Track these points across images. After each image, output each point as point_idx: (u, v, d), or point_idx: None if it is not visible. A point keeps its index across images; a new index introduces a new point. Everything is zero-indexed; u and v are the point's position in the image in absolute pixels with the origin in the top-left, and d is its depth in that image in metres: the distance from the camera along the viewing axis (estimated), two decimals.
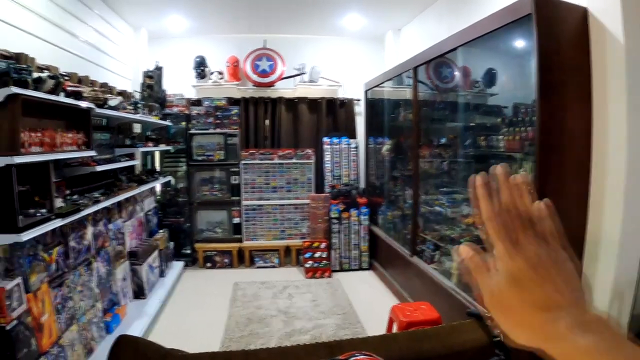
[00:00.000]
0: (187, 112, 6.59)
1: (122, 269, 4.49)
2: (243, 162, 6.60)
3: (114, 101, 4.06)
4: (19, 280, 2.67)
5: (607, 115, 2.52)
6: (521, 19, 2.67)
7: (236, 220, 6.65)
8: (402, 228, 5.52)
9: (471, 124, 3.93)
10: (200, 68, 6.77)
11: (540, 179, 2.59)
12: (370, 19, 6.33)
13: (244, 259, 6.60)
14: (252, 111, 7.03)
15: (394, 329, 3.41)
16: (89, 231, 3.80)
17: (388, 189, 6.20)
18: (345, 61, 7.29)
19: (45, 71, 3.26)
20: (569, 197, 2.62)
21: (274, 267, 6.56)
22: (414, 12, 5.97)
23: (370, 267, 6.31)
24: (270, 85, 7.00)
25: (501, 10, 2.90)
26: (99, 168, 3.73)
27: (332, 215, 6.32)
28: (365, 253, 6.37)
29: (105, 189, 4.02)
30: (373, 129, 6.67)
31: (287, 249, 6.67)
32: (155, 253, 5.37)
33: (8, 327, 2.49)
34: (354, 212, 6.30)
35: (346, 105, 7.25)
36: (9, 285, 2.57)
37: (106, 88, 4.47)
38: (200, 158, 6.60)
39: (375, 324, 4.33)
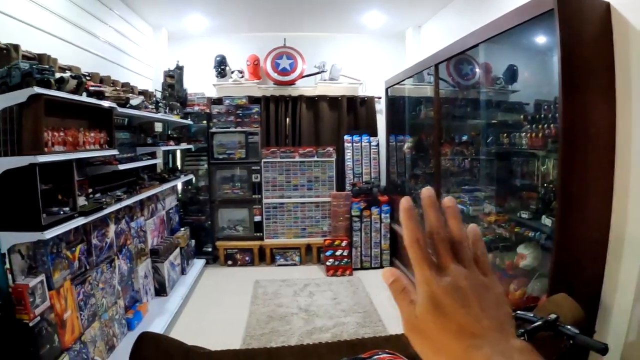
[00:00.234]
0: (208, 110, 6.62)
1: (144, 267, 4.54)
2: (264, 160, 6.61)
3: (135, 101, 4.10)
4: (42, 277, 2.72)
5: (631, 111, 2.45)
6: (543, 15, 2.61)
7: (257, 218, 6.67)
8: (424, 227, 5.46)
9: (493, 121, 3.87)
10: (221, 67, 6.80)
11: (564, 177, 2.54)
12: (391, 16, 6.28)
13: (264, 256, 6.61)
14: (272, 109, 7.04)
15: None
16: (111, 229, 3.85)
17: (409, 187, 6.15)
18: (365, 59, 7.25)
19: (68, 71, 3.31)
20: (592, 195, 2.57)
21: (294, 265, 6.56)
22: (434, 9, 5.91)
23: (392, 265, 6.28)
24: (290, 83, 7.00)
25: (523, 6, 2.85)
26: (121, 167, 3.77)
27: (353, 213, 6.31)
28: (387, 251, 6.34)
29: (127, 188, 4.06)
30: (394, 127, 6.62)
31: (308, 247, 6.67)
32: (177, 251, 5.41)
33: (31, 324, 2.54)
34: (375, 210, 6.27)
35: (367, 103, 7.22)
36: (33, 282, 2.61)
37: (128, 88, 4.52)
38: (221, 156, 6.64)
39: (396, 323, 4.30)
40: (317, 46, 7.09)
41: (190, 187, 6.70)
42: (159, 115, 4.85)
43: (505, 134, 3.53)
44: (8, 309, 2.48)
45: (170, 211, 5.77)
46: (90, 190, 3.43)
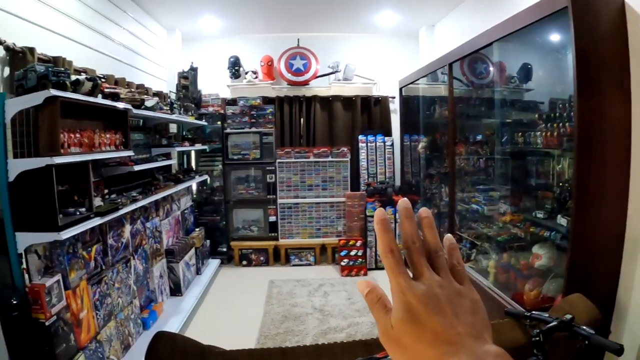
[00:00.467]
0: (222, 111, 6.66)
1: (159, 267, 4.58)
2: (278, 160, 6.63)
3: (150, 102, 4.14)
4: (58, 277, 2.75)
5: None
6: (557, 12, 2.59)
7: (272, 218, 6.69)
8: (438, 226, 5.45)
9: (507, 120, 3.83)
10: (235, 68, 6.83)
11: (579, 176, 2.51)
12: (404, 16, 6.26)
13: (279, 256, 6.63)
14: (286, 110, 7.05)
15: None
16: (127, 229, 3.88)
17: (424, 186, 6.12)
18: (379, 58, 7.23)
19: (83, 74, 3.35)
20: (608, 194, 2.53)
21: (309, 265, 6.56)
22: (447, 8, 5.87)
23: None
24: (304, 83, 7.01)
25: (537, 4, 2.82)
26: (137, 168, 3.80)
27: (368, 214, 6.29)
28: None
29: (142, 188, 4.10)
30: (408, 126, 6.60)
31: (323, 247, 6.67)
32: (192, 251, 5.45)
33: (47, 323, 2.57)
34: (389, 210, 6.26)
35: (381, 102, 7.20)
36: (49, 282, 2.65)
37: (142, 89, 4.57)
38: (235, 157, 6.66)
39: None
40: (330, 46, 7.09)
41: (205, 187, 6.74)
42: (173, 117, 4.89)
43: (520, 133, 3.50)
44: (25, 309, 2.52)
45: (185, 211, 5.81)
46: (106, 191, 3.47)
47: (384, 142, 6.86)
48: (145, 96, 4.23)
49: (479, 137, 4.45)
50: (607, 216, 2.55)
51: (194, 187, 6.54)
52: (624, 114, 2.49)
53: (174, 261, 4.86)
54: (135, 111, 3.78)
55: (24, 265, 2.56)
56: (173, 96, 5.78)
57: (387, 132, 7.06)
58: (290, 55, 6.93)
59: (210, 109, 6.62)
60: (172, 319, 4.28)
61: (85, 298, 3.05)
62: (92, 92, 2.99)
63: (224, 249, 6.67)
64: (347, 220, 6.52)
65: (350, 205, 6.45)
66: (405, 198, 0.55)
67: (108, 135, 3.33)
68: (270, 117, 6.72)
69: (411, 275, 0.50)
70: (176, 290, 4.90)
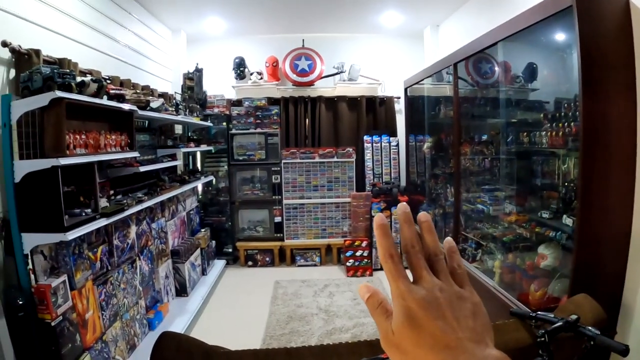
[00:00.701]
0: (227, 112, 6.67)
1: (165, 267, 4.59)
2: (284, 161, 6.64)
3: (155, 103, 4.15)
4: (64, 277, 2.77)
5: None
6: (562, 12, 2.58)
7: (277, 219, 6.69)
8: (443, 226, 5.44)
9: (512, 120, 3.82)
10: (240, 69, 6.84)
11: (585, 176, 2.50)
12: (408, 16, 6.25)
13: (285, 257, 6.64)
14: (292, 110, 7.06)
15: None
16: (133, 230, 3.90)
17: (429, 187, 6.11)
18: (384, 59, 7.23)
19: (88, 75, 3.37)
20: (613, 194, 2.51)
21: (315, 265, 6.56)
22: (452, 8, 5.85)
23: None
24: (309, 84, 7.01)
25: (541, 3, 2.81)
26: (142, 169, 3.81)
27: (373, 214, 6.29)
28: None
29: (148, 189, 4.11)
30: (413, 127, 6.58)
31: (328, 248, 6.67)
32: (197, 251, 5.46)
33: (53, 323, 2.59)
34: (395, 210, 6.25)
35: (386, 103, 7.19)
36: (55, 282, 2.66)
37: (148, 90, 4.58)
38: (241, 158, 6.68)
39: None
40: (335, 47, 7.09)
41: (210, 188, 6.76)
42: (179, 118, 4.90)
43: (525, 133, 3.49)
44: (30, 309, 2.54)
45: (191, 212, 5.82)
46: (111, 192, 3.48)
47: (389, 143, 6.85)
48: (151, 97, 4.24)
49: (484, 137, 4.44)
50: (613, 216, 2.53)
51: (200, 188, 6.55)
52: (630, 113, 2.48)
53: (179, 262, 4.88)
54: (140, 112, 3.79)
55: (30, 266, 2.58)
56: (178, 97, 5.79)
57: (393, 133, 7.05)
58: (295, 56, 6.94)
59: (216, 110, 6.63)
60: (177, 319, 4.29)
61: (91, 298, 3.07)
62: (97, 94, 3.01)
63: (230, 250, 6.68)
64: (352, 221, 6.52)
65: (356, 206, 6.45)
66: (405, 203, 0.55)
67: (113, 137, 3.34)
68: (275, 117, 6.73)
69: (411, 279, 0.50)
70: (182, 290, 4.91)
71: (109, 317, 3.31)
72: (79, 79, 2.86)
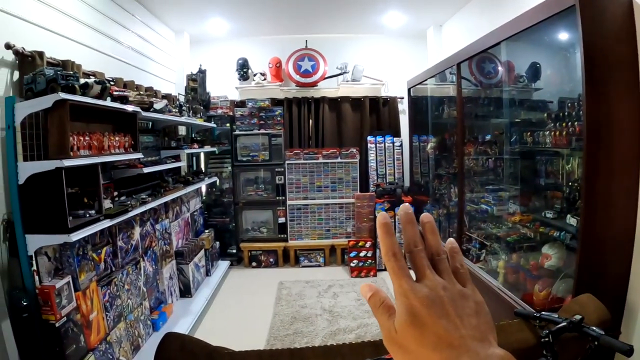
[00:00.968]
0: (231, 113, 6.68)
1: (169, 268, 4.60)
2: (287, 162, 6.64)
3: (159, 105, 4.16)
4: (68, 279, 2.78)
5: None
6: (564, 11, 2.57)
7: (281, 219, 6.69)
8: (447, 226, 5.43)
9: (516, 120, 3.81)
10: (243, 70, 6.84)
11: (588, 176, 2.49)
12: (411, 16, 6.24)
13: (289, 258, 6.64)
14: (295, 111, 7.06)
15: None
16: (137, 231, 3.91)
17: (433, 187, 6.10)
18: (387, 59, 7.22)
19: (92, 77, 3.38)
20: (618, 193, 2.50)
21: (319, 266, 6.56)
22: (454, 8, 5.85)
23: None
24: (312, 85, 7.02)
25: (544, 3, 2.80)
26: (146, 170, 3.82)
27: (377, 214, 6.27)
28: None
29: (152, 191, 4.12)
30: (417, 127, 6.58)
31: (332, 248, 6.67)
32: (201, 252, 5.47)
33: (57, 324, 2.60)
34: (398, 211, 6.23)
35: (389, 103, 7.18)
36: (59, 283, 2.67)
37: (151, 92, 4.59)
38: (245, 159, 6.68)
39: None
40: (338, 47, 7.10)
41: (214, 189, 6.76)
42: (182, 119, 4.91)
43: (529, 133, 3.48)
44: (35, 310, 2.54)
45: (195, 213, 5.83)
46: (115, 193, 3.49)
47: (393, 143, 6.84)
48: (154, 99, 4.25)
49: (488, 137, 4.43)
50: (617, 216, 2.52)
51: (204, 189, 6.55)
52: (634, 112, 2.47)
53: (183, 263, 4.89)
54: (144, 114, 3.80)
55: (34, 267, 2.58)
56: (182, 98, 5.81)
57: (396, 133, 7.04)
58: (298, 57, 6.94)
59: (219, 111, 6.64)
60: (181, 320, 4.30)
61: (95, 299, 3.07)
62: (101, 95, 3.02)
63: (234, 251, 6.69)
64: (356, 221, 6.52)
65: (360, 206, 6.44)
66: (407, 204, 0.55)
67: (117, 138, 3.35)
68: (279, 118, 6.73)
69: (414, 278, 0.50)
70: (186, 291, 4.92)
71: (113, 318, 3.32)
72: (82, 80, 2.87)
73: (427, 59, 6.82)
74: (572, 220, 2.84)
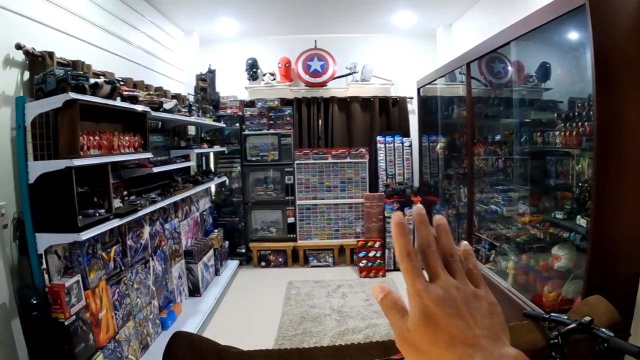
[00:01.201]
0: (240, 113, 6.69)
1: (178, 268, 4.62)
2: (297, 162, 6.64)
3: (168, 104, 4.17)
4: (78, 277, 2.80)
5: None
6: (574, 10, 2.55)
7: (290, 219, 6.70)
8: (457, 227, 5.41)
9: (526, 120, 3.78)
10: (253, 70, 6.86)
11: (599, 176, 2.47)
12: (421, 16, 6.22)
13: (298, 258, 6.64)
14: (304, 111, 7.06)
15: None
16: (146, 231, 3.92)
17: (442, 187, 6.08)
18: (396, 59, 7.21)
19: (102, 77, 3.40)
20: (628, 194, 2.47)
21: (328, 266, 6.56)
22: (464, 7, 5.82)
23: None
24: (322, 85, 7.01)
25: (554, 2, 2.78)
26: (156, 169, 3.84)
27: (387, 215, 6.27)
28: None
29: (161, 190, 4.13)
30: (426, 127, 6.55)
31: (341, 248, 6.66)
32: (211, 252, 5.49)
33: (67, 323, 2.61)
34: (408, 211, 6.21)
35: (399, 103, 7.17)
36: (69, 282, 2.69)
37: (161, 92, 4.61)
38: (254, 158, 6.69)
39: None
40: (348, 47, 7.09)
41: (223, 189, 6.79)
42: (192, 119, 4.93)
43: (539, 133, 3.45)
44: (44, 308, 2.56)
45: (204, 213, 5.85)
46: (125, 193, 3.51)
47: (402, 143, 6.82)
48: (164, 99, 4.27)
49: (498, 137, 4.40)
50: (628, 217, 2.49)
51: (213, 189, 6.58)
52: None
53: (192, 262, 4.90)
54: (153, 113, 3.82)
55: (44, 266, 2.60)
56: (191, 98, 5.83)
57: (406, 133, 7.02)
58: (307, 57, 6.94)
59: (229, 111, 6.65)
60: (190, 319, 4.31)
61: (104, 298, 3.09)
62: (110, 95, 3.03)
63: (243, 250, 6.71)
64: (365, 222, 6.50)
65: (369, 207, 6.43)
66: (420, 204, 0.55)
67: (127, 138, 3.36)
68: (288, 118, 6.73)
69: (427, 278, 0.50)
70: (195, 291, 4.94)
71: (122, 317, 3.34)
72: (92, 80, 2.89)
73: (436, 59, 6.80)
74: (582, 221, 2.81)
